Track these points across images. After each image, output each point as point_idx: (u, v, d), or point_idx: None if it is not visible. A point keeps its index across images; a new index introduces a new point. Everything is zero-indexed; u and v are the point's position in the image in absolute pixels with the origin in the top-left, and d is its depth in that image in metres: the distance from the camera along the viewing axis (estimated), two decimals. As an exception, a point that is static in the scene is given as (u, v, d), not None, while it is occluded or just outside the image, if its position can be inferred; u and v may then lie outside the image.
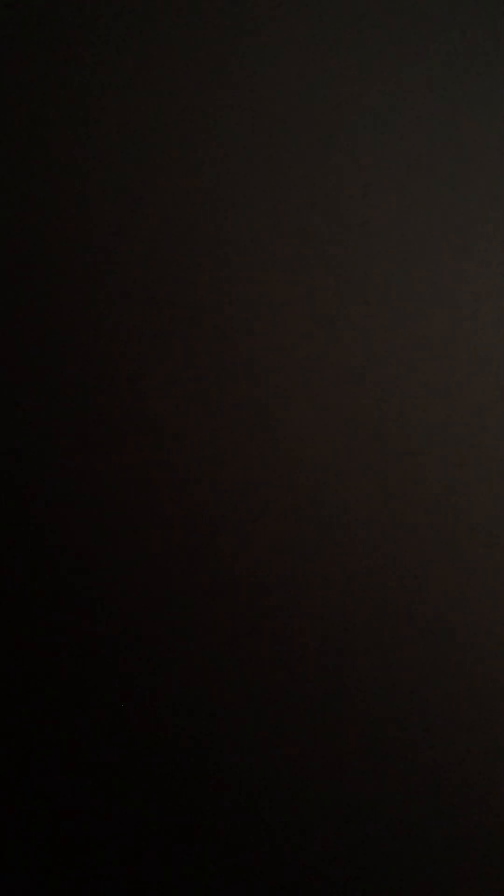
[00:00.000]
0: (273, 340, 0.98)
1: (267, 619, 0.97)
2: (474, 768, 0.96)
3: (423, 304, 0.97)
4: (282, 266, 0.98)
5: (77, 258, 0.99)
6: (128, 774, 0.98)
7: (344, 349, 0.97)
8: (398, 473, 0.97)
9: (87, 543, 0.98)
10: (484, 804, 0.95)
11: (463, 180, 0.97)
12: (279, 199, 0.98)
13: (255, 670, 0.97)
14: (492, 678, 0.96)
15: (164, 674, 0.98)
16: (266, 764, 0.97)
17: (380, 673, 0.96)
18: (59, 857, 0.98)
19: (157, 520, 0.98)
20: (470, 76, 0.97)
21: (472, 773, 0.96)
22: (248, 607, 0.97)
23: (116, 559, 0.98)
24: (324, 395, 0.97)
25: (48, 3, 1.00)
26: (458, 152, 0.97)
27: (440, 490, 0.96)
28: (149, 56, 0.99)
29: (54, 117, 0.99)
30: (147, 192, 0.99)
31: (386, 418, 0.97)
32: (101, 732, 0.98)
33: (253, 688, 0.97)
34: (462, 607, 0.96)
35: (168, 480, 0.98)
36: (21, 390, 0.99)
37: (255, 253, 0.98)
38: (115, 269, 0.99)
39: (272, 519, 0.97)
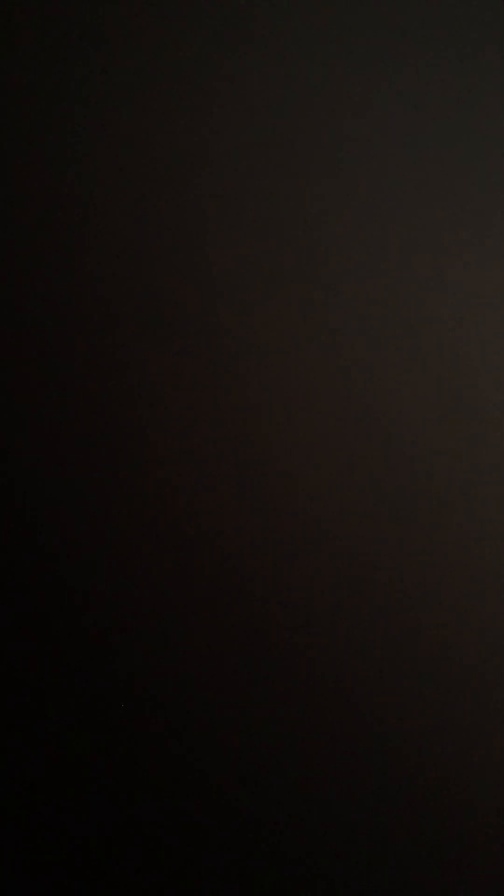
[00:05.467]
0: (270, 350, 0.98)
1: (266, 630, 0.97)
2: (474, 780, 0.96)
3: (421, 312, 0.97)
4: (279, 277, 0.98)
5: (74, 266, 0.99)
6: (127, 775, 0.98)
7: (341, 360, 0.97)
8: (397, 484, 0.97)
9: (85, 551, 0.98)
10: (486, 820, 0.96)
11: (462, 186, 0.97)
12: (276, 210, 0.98)
13: (254, 677, 0.97)
14: (492, 689, 0.96)
15: (164, 676, 0.98)
16: (265, 767, 0.97)
17: (380, 686, 0.97)
18: (58, 858, 0.98)
19: (155, 532, 0.98)
20: (469, 86, 0.97)
21: (472, 784, 0.96)
22: (246, 617, 0.97)
23: (115, 565, 0.98)
24: (320, 406, 0.97)
25: (47, 10, 0.99)
26: (456, 156, 0.97)
27: (439, 499, 0.96)
28: (147, 63, 0.99)
29: (52, 125, 0.99)
30: (144, 200, 0.99)
31: (383, 426, 0.97)
32: (100, 733, 0.98)
33: (252, 693, 0.97)
34: (462, 618, 0.96)
35: (165, 493, 0.98)
36: (19, 399, 0.99)
37: (252, 261, 0.98)
38: (112, 277, 0.99)
39: (269, 531, 0.97)
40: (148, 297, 0.99)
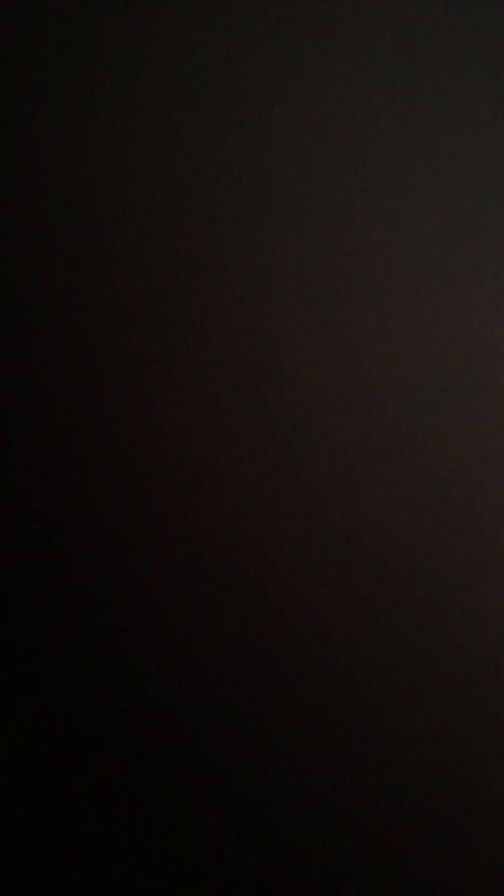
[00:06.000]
0: (275, 344, 0.98)
1: (269, 623, 0.97)
2: (474, 773, 0.96)
3: (423, 307, 0.98)
4: (284, 272, 0.98)
5: (78, 265, 0.99)
6: (127, 776, 0.98)
7: (346, 353, 0.98)
8: (401, 475, 0.97)
9: (86, 547, 0.98)
10: (485, 809, 0.95)
11: (463, 186, 0.98)
12: (280, 208, 0.99)
13: (255, 676, 0.97)
14: (492, 682, 0.96)
15: (163, 677, 0.98)
16: (265, 768, 0.97)
17: (382, 678, 0.96)
18: (58, 858, 0.98)
19: (157, 523, 0.98)
20: (469, 87, 0.98)
21: (472, 776, 0.96)
22: (249, 611, 0.97)
23: (116, 562, 0.98)
24: (325, 400, 0.98)
25: (51, 14, 1.01)
26: (457, 156, 0.98)
27: (443, 491, 0.97)
28: (150, 65, 1.00)
29: (57, 132, 1.00)
30: (149, 198, 1.00)
31: (388, 418, 0.97)
32: (100, 733, 0.98)
33: (253, 692, 0.97)
34: (465, 608, 0.96)
35: (168, 484, 0.98)
36: (21, 393, 0.99)
37: (256, 258, 0.98)
38: (117, 273, 0.99)
39: (274, 520, 0.97)
40: (151, 294, 0.99)
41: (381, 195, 0.98)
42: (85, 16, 1.00)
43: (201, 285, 0.99)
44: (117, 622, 0.98)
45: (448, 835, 0.95)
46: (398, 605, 0.96)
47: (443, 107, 0.98)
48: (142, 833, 0.98)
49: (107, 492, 0.98)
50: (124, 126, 1.00)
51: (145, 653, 0.98)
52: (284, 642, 0.97)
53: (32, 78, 1.01)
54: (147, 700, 0.98)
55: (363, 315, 0.98)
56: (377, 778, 0.96)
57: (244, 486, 0.97)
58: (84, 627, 0.98)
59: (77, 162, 1.00)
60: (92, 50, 1.00)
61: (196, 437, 0.98)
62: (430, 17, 0.98)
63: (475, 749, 0.95)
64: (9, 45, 1.01)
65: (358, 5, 0.99)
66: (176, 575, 0.98)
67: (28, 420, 0.99)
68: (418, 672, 0.96)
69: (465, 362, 0.97)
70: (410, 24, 0.98)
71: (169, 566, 0.98)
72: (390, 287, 0.98)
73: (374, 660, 0.96)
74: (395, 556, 0.97)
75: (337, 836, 0.96)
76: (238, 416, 0.98)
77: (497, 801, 0.95)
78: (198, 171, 0.99)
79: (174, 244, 0.99)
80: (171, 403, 0.98)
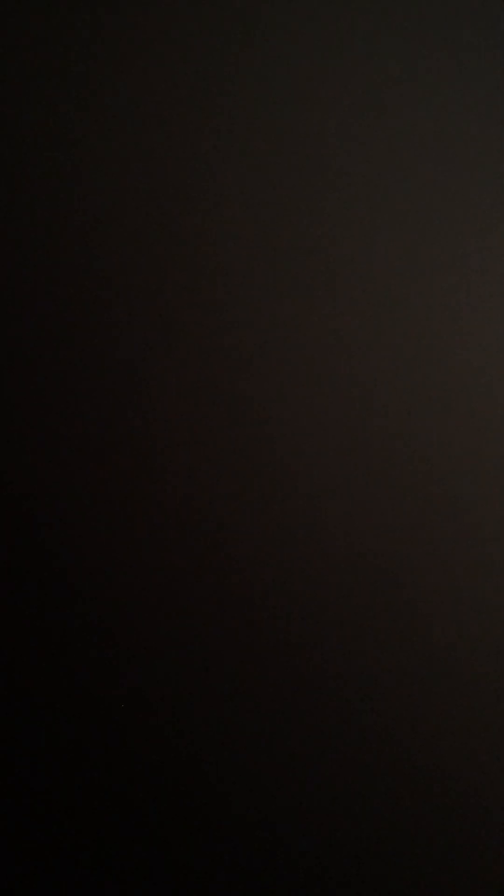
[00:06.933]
0: (272, 347, 0.98)
1: (266, 624, 0.97)
2: (475, 773, 0.96)
3: (422, 311, 0.97)
4: (282, 276, 0.98)
5: (78, 266, 0.99)
6: (127, 777, 0.98)
7: (343, 357, 0.98)
8: (398, 481, 0.97)
9: (85, 546, 0.98)
10: (484, 810, 0.96)
11: (463, 189, 0.98)
12: (279, 210, 0.98)
13: (254, 674, 0.97)
14: (492, 682, 0.96)
15: (163, 676, 0.98)
16: (265, 766, 0.97)
17: (380, 678, 0.97)
18: (58, 858, 0.98)
19: (155, 526, 0.98)
20: (470, 83, 0.98)
21: (472, 777, 0.96)
22: (247, 610, 0.97)
23: (115, 561, 0.98)
24: (323, 404, 0.98)
25: (49, 13, 1.00)
26: (457, 159, 0.98)
27: (440, 497, 0.97)
28: (150, 65, 1.00)
29: (55, 135, 1.00)
30: (148, 201, 0.99)
31: (386, 424, 0.97)
32: (100, 733, 0.98)
33: (252, 691, 0.97)
34: (466, 615, 0.96)
35: (166, 488, 0.98)
36: (20, 393, 0.99)
37: (256, 261, 0.98)
38: (115, 274, 0.99)
39: (272, 524, 0.97)
40: (149, 296, 0.99)
41: (381, 198, 0.98)
42: (83, 12, 1.00)
43: (200, 288, 0.98)
44: (118, 624, 0.98)
45: (449, 844, 0.96)
46: (399, 613, 0.96)
47: (443, 106, 0.98)
48: (141, 833, 0.98)
49: (106, 495, 0.98)
50: (123, 127, 1.00)
51: (146, 655, 0.98)
52: (283, 644, 0.97)
53: (29, 79, 1.00)
54: (147, 701, 0.98)
55: (362, 318, 0.97)
56: (377, 782, 0.96)
57: (242, 490, 0.97)
58: (84, 629, 0.98)
59: (76, 158, 1.00)
60: (90, 43, 1.00)
61: (194, 442, 0.98)
62: (430, 14, 0.98)
63: (476, 753, 0.96)
64: (7, 41, 1.01)
65: (358, 4, 0.98)
66: (175, 578, 0.98)
67: (27, 423, 0.99)
68: (419, 681, 0.96)
69: (465, 366, 0.97)
70: (411, 21, 0.98)
71: (168, 569, 0.98)
72: (391, 291, 0.97)
73: (376, 667, 0.97)
74: (396, 561, 0.97)
75: (337, 839, 0.97)
76: (236, 419, 0.98)
77: (498, 814, 0.95)
78: (196, 172, 0.99)
79: (173, 246, 0.99)
80: (169, 407, 0.98)
